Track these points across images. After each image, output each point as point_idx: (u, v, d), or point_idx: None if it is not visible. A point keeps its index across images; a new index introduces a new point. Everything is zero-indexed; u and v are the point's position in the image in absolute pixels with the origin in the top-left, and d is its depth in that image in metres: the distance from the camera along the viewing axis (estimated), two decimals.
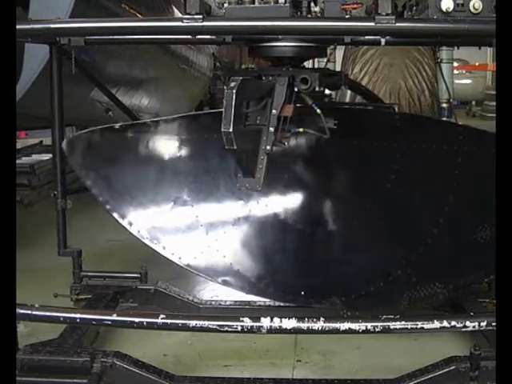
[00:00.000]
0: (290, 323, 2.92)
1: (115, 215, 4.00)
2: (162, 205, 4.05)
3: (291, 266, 4.01)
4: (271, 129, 3.12)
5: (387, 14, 2.70)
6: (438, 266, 3.67)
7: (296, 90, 3.19)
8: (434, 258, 3.66)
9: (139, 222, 4.01)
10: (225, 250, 4.06)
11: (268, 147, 3.13)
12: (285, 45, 3.19)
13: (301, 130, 3.34)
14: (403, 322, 2.92)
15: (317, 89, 3.39)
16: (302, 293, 3.93)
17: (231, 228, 4.08)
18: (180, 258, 4.04)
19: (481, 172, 3.49)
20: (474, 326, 2.90)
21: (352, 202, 3.92)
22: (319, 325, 2.92)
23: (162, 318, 3.00)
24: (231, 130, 2.84)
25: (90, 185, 3.98)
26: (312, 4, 3.15)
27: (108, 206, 3.99)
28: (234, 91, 2.86)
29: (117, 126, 4.10)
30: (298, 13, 3.08)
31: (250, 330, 2.96)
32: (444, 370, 3.04)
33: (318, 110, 3.20)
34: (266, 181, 3.83)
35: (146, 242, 4.02)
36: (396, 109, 4.06)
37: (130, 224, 4.01)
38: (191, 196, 4.02)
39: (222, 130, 2.85)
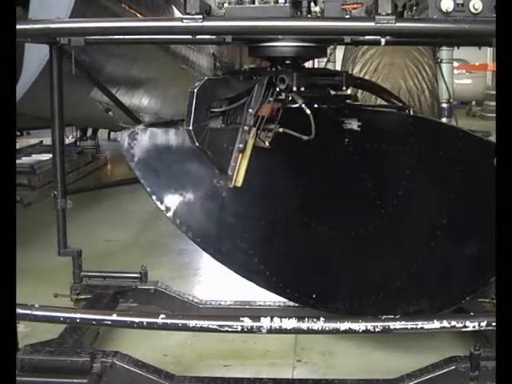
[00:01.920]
0: (290, 323, 2.92)
1: (160, 206, 4.17)
2: (203, 200, 4.18)
3: (308, 269, 4.08)
4: (245, 127, 3.20)
5: (387, 14, 2.70)
6: (429, 282, 3.62)
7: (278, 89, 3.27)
8: (427, 272, 3.61)
9: (181, 214, 4.19)
10: (252, 247, 4.21)
11: (241, 145, 3.20)
12: (282, 45, 3.21)
13: (281, 130, 3.36)
14: (403, 322, 2.92)
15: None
16: (314, 296, 4.02)
17: (259, 227, 4.21)
18: (213, 252, 4.23)
19: (481, 185, 3.28)
20: (474, 326, 2.90)
21: (365, 209, 3.91)
22: (319, 325, 2.91)
23: (162, 318, 3.00)
24: (191, 128, 2.96)
25: (139, 175, 4.14)
26: (312, 4, 3.15)
27: (154, 197, 4.16)
28: (195, 91, 2.96)
29: (167, 120, 4.31)
30: (298, 13, 3.08)
31: (250, 330, 2.95)
32: (444, 370, 3.04)
33: (308, 111, 3.22)
34: (280, 185, 4.09)
35: (186, 233, 4.22)
36: (411, 111, 3.93)
37: (174, 215, 4.18)
38: (228, 193, 4.11)
39: (184, 127, 2.98)
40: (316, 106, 3.62)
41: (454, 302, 3.41)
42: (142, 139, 4.12)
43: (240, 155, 3.21)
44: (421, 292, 3.62)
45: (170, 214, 4.18)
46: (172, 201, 4.18)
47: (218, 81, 3.23)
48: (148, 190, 4.14)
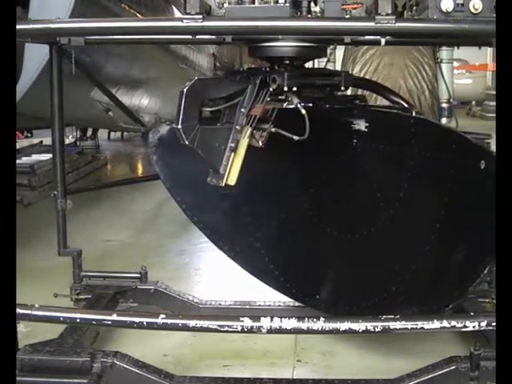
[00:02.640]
0: (290, 323, 2.92)
1: (178, 203, 4.24)
2: (220, 198, 4.19)
3: (315, 271, 4.09)
4: (237, 127, 3.22)
5: (387, 14, 2.70)
6: (419, 287, 3.61)
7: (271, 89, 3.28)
8: (418, 277, 3.60)
9: (199, 212, 4.27)
10: (263, 247, 4.23)
11: (233, 144, 3.22)
12: (281, 45, 3.21)
13: (273, 130, 3.37)
14: (403, 322, 2.92)
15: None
16: (317, 297, 4.04)
17: (270, 227, 4.23)
18: (227, 250, 4.29)
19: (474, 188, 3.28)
20: (474, 326, 2.90)
21: (367, 213, 3.91)
22: (319, 325, 2.91)
23: (162, 318, 3.00)
24: (180, 126, 3.04)
25: (158, 171, 4.24)
26: (312, 4, 3.15)
27: (172, 191, 4.24)
28: (184, 91, 3.03)
29: None
30: (298, 13, 3.08)
31: (250, 330, 2.95)
32: (444, 370, 3.04)
33: (303, 111, 3.23)
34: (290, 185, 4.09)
35: (203, 231, 4.30)
36: (414, 112, 3.89)
37: (192, 213, 4.26)
38: (239, 192, 4.10)
39: (174, 126, 3.07)
40: (325, 106, 3.64)
41: (448, 303, 3.40)
42: (163, 137, 4.18)
43: (232, 154, 3.23)
44: (419, 294, 3.61)
45: (187, 212, 4.24)
46: (190, 198, 4.23)
47: (208, 81, 3.26)
48: (167, 185, 4.21)
